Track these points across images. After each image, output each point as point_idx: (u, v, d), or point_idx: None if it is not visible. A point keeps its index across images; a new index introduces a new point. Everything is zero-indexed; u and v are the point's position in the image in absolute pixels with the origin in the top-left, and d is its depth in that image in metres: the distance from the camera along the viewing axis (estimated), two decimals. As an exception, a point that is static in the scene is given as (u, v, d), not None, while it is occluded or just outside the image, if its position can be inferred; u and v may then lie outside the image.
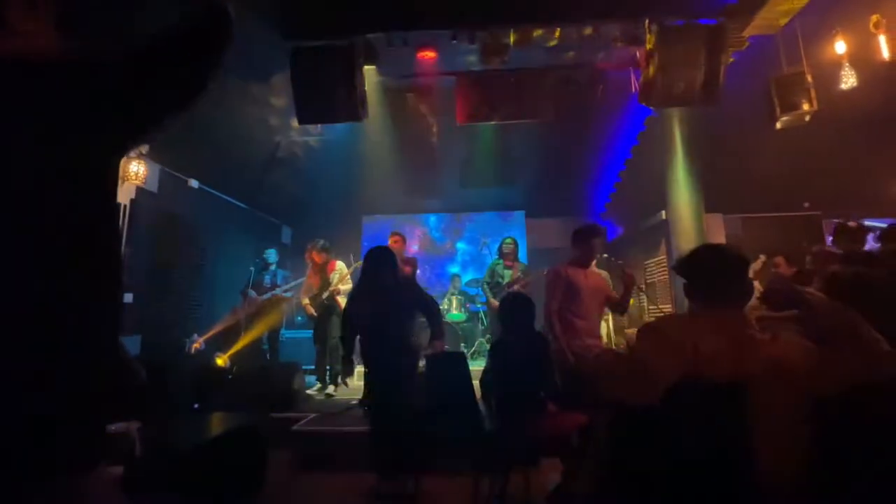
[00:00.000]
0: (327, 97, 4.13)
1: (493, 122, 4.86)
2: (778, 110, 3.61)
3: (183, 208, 5.44)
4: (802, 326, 1.47)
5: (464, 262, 7.76)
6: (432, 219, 7.98)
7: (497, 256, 5.41)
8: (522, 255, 7.64)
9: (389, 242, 4.42)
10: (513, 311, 2.44)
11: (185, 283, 5.30)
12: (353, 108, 4.15)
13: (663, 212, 5.58)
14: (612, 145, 6.63)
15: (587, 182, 7.40)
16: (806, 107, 3.58)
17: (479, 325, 6.68)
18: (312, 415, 3.86)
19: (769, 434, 1.25)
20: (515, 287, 5.09)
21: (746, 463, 1.24)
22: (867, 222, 6.65)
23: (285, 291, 5.54)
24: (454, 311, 6.22)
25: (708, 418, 1.29)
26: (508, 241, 5.29)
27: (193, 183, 5.60)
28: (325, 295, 4.97)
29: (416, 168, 7.07)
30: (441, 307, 6.25)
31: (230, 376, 4.16)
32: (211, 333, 5.15)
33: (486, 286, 5.32)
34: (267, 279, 5.59)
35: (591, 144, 6.71)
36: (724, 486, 1.27)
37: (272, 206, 7.25)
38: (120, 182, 4.43)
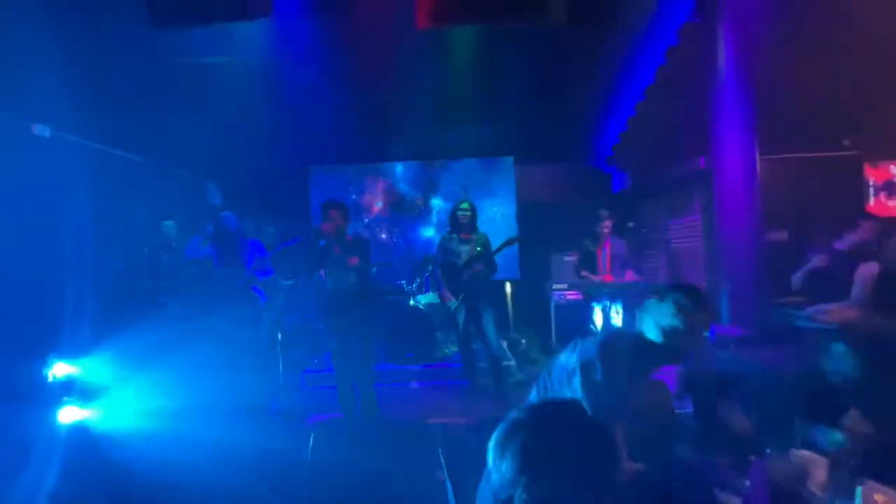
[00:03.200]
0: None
1: (469, 27, 3.22)
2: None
3: (26, 167, 3.74)
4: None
5: (440, 224, 6.30)
6: (398, 168, 6.38)
7: (449, 228, 4.03)
8: (511, 210, 6.25)
9: (325, 222, 2.93)
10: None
11: (44, 284, 3.73)
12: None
13: (702, 158, 4.18)
14: (632, 65, 5.02)
15: (594, 117, 5.84)
16: None
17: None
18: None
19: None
20: (478, 268, 3.77)
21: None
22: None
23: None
24: (431, 292, 4.89)
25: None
26: (464, 206, 3.93)
27: (40, 129, 3.86)
28: None
29: (375, 101, 5.38)
30: (412, 286, 4.93)
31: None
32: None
33: (437, 269, 3.98)
34: (167, 262, 4.10)
35: (606, 64, 5.09)
36: None
37: (185, 157, 5.52)
38: None
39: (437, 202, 6.32)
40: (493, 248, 3.94)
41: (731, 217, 3.83)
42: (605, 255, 4.17)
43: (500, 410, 3.44)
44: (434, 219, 6.31)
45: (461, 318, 3.99)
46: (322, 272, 3.05)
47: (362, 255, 2.99)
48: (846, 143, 5.67)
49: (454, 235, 3.96)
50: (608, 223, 4.14)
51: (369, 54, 5.05)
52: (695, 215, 4.33)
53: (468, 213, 3.88)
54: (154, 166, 5.12)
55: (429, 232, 6.25)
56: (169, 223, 4.13)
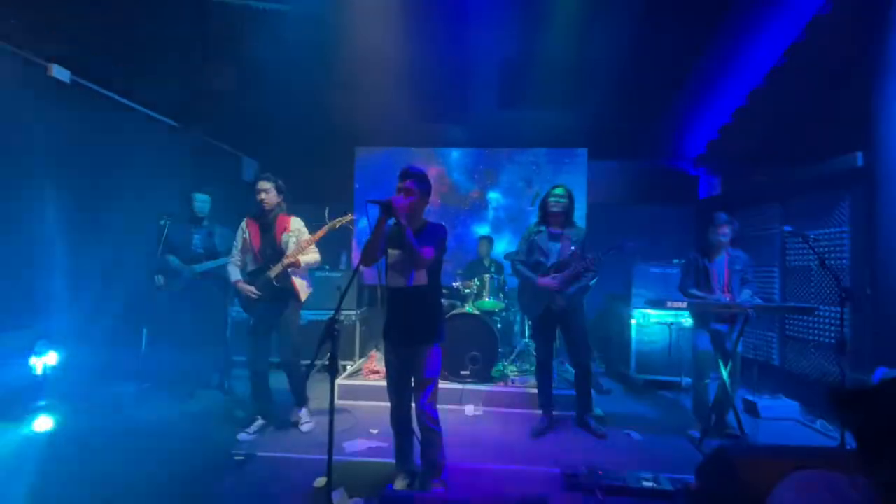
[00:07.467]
0: None
1: None
2: None
3: (37, 114, 3.16)
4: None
5: (497, 221, 5.53)
6: (454, 154, 5.64)
7: (538, 218, 3.25)
8: (581, 210, 5.41)
9: (399, 190, 2.21)
10: None
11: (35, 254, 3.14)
12: None
13: (859, 153, 3.27)
14: (751, 45, 4.14)
15: (687, 109, 4.97)
16: None
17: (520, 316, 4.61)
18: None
19: None
20: (573, 270, 3.00)
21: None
22: None
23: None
24: (486, 297, 4.12)
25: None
26: (558, 191, 3.13)
27: (58, 72, 3.28)
28: (273, 273, 2.94)
29: (435, 75, 4.67)
30: (466, 290, 4.17)
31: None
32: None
33: (519, 267, 3.19)
34: (196, 241, 3.47)
35: (711, 45, 4.23)
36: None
37: (221, 126, 4.92)
38: None
39: (494, 196, 5.55)
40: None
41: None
42: (721, 270, 3.31)
43: (601, 455, 2.49)
44: (490, 215, 5.54)
45: (543, 332, 3.21)
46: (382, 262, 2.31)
47: (438, 247, 2.24)
48: None
49: (542, 228, 3.19)
50: (726, 229, 3.27)
51: (434, 17, 4.36)
52: (841, 226, 3.41)
53: (563, 201, 3.10)
54: (185, 132, 4.52)
55: (483, 229, 5.47)
56: (202, 195, 3.49)
